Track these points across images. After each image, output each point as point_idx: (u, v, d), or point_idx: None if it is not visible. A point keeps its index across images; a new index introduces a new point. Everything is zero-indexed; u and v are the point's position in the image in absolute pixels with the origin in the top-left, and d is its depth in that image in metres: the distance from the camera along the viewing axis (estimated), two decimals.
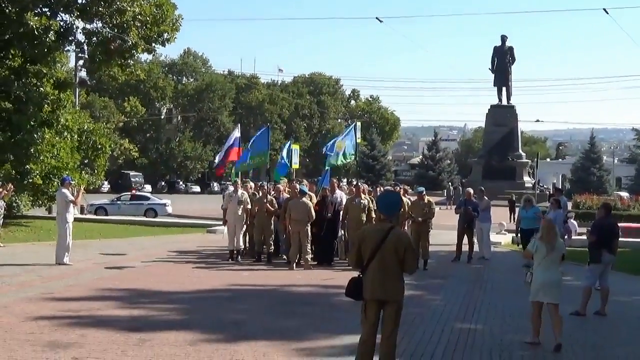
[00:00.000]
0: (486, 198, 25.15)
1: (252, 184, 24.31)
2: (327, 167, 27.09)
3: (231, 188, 22.96)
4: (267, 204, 21.49)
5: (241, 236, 22.00)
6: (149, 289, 16.24)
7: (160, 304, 14.48)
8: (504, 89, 75.53)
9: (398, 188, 25.42)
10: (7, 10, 29.22)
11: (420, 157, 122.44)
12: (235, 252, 21.65)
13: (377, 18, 34.77)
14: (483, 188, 26.17)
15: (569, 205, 30.58)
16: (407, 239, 9.63)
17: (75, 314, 13.12)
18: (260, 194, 22.24)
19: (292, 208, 20.47)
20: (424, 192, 22.37)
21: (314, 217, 20.50)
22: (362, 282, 9.25)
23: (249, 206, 21.82)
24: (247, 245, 22.80)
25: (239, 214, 21.63)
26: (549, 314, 11.85)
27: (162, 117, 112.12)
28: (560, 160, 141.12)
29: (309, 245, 20.62)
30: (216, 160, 28.86)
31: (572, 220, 24.16)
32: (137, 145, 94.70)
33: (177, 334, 11.60)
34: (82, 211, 41.81)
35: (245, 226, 22.16)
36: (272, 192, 22.44)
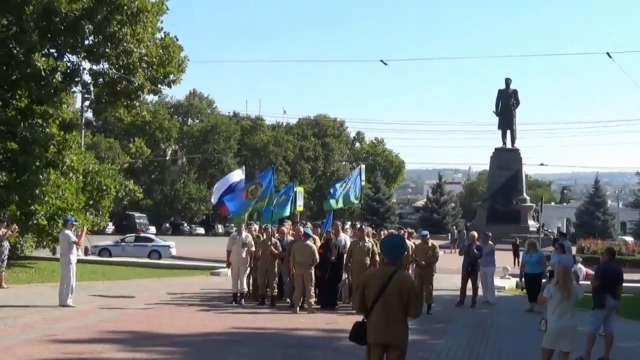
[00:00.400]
0: (491, 242, 25.11)
1: (256, 226, 24.29)
2: (330, 209, 27.11)
3: (235, 230, 22.95)
4: (271, 247, 21.45)
5: (245, 279, 21.96)
6: (153, 332, 16.17)
7: (164, 347, 14.42)
8: (508, 132, 75.72)
9: (402, 231, 25.40)
10: (14, 51, 29.46)
11: (425, 200, 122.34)
12: (238, 294, 21.59)
13: (381, 61, 34.87)
14: (490, 233, 26.07)
15: (573, 249, 30.51)
16: (411, 283, 9.60)
17: (78, 356, 13.08)
18: (265, 236, 22.23)
19: (296, 251, 20.43)
20: (428, 236, 22.31)
21: (318, 260, 20.46)
22: (365, 326, 9.22)
23: (253, 248, 21.79)
24: (251, 288, 22.73)
25: (243, 256, 21.59)
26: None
27: (167, 158, 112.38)
28: (564, 204, 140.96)
29: (313, 288, 20.57)
30: (213, 200, 28.57)
31: (579, 265, 24.01)
32: (142, 186, 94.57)
33: None
34: (86, 252, 41.80)
35: (249, 269, 22.11)
36: (276, 235, 22.43)
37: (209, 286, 26.88)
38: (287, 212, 28.25)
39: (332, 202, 27.34)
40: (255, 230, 23.34)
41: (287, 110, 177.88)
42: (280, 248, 21.61)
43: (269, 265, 21.49)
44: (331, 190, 27.83)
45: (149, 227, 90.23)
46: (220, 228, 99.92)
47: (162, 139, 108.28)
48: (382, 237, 19.97)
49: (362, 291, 9.40)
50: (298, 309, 20.15)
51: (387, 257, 9.68)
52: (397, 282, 9.15)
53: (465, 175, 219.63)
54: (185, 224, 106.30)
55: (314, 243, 21.13)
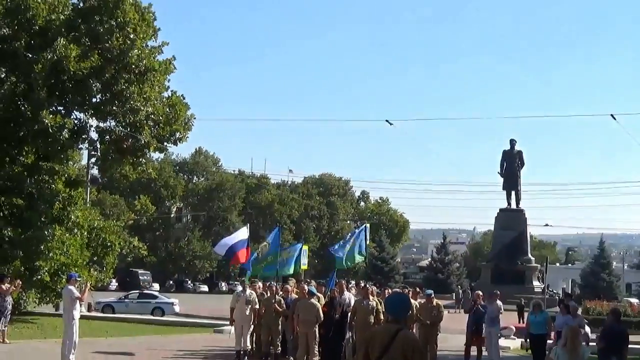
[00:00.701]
0: (498, 302, 24.99)
1: (260, 284, 24.25)
2: (342, 268, 27.08)
3: (239, 287, 22.90)
4: (275, 304, 21.41)
5: (248, 336, 21.87)
6: None
7: None
8: (513, 192, 75.77)
9: (406, 290, 25.34)
10: (22, 108, 29.72)
11: (429, 259, 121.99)
12: (242, 352, 21.49)
13: (387, 121, 35.04)
14: (498, 292, 25.95)
15: (579, 310, 30.33)
16: (416, 342, 9.54)
17: None
18: (269, 293, 22.19)
19: (300, 309, 20.35)
20: (433, 295, 22.25)
21: (322, 319, 20.38)
22: None
23: (257, 306, 21.74)
24: (254, 345, 22.62)
25: (247, 313, 21.53)
26: None
27: (172, 215, 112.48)
28: (569, 265, 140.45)
29: (317, 346, 20.46)
30: (218, 250, 28.46)
31: (586, 328, 23.75)
32: (146, 243, 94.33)
33: None
34: (89, 309, 41.64)
35: (252, 326, 22.04)
36: (280, 292, 22.39)
37: (212, 344, 26.74)
38: (291, 270, 28.20)
39: (340, 261, 27.33)
40: (259, 287, 23.29)
41: (291, 168, 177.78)
42: (284, 306, 21.56)
43: (273, 322, 21.43)
44: (338, 251, 27.75)
45: (153, 284, 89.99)
46: (224, 286, 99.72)
47: (167, 196, 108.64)
48: (386, 295, 19.92)
49: (365, 349, 9.34)
50: None
51: (391, 315, 9.61)
52: (401, 340, 9.07)
53: (469, 235, 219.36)
54: (189, 282, 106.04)
55: (318, 301, 21.07)
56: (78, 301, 20.48)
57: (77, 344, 20.13)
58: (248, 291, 21.91)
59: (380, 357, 9.03)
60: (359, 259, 28.38)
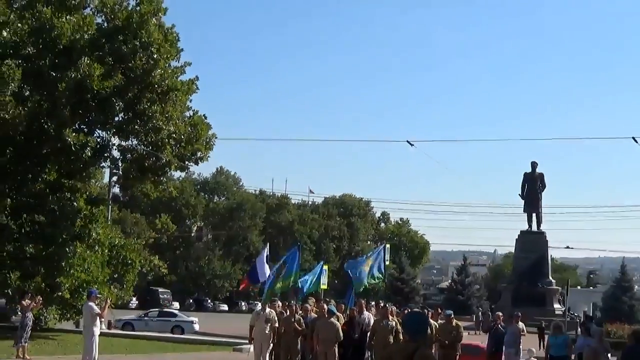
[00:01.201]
0: (520, 324, 24.93)
1: (279, 303, 24.27)
2: (353, 289, 27.05)
3: (259, 306, 22.95)
4: (295, 323, 21.44)
5: (267, 355, 21.89)
6: None
7: None
8: (534, 215, 75.54)
9: (427, 311, 25.31)
10: (45, 126, 29.95)
11: (450, 281, 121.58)
12: None
13: (408, 142, 35.02)
14: (519, 313, 25.92)
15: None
16: (433, 358, 9.58)
17: None
18: (288, 312, 22.21)
19: (320, 328, 20.38)
20: (452, 316, 22.22)
21: (342, 338, 20.39)
22: None
23: (277, 324, 21.77)
24: None
25: (266, 332, 21.57)
26: None
27: (193, 234, 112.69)
28: (591, 288, 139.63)
29: None
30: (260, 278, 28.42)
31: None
32: (167, 262, 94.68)
33: None
34: (109, 326, 41.75)
35: (271, 345, 22.05)
36: (300, 312, 22.42)
37: None
38: (310, 288, 28.32)
39: (359, 283, 27.37)
40: (278, 306, 23.32)
41: (312, 188, 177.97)
42: (304, 325, 21.59)
43: (292, 341, 21.46)
44: (354, 269, 27.77)
45: (173, 302, 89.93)
46: (243, 305, 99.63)
47: (188, 215, 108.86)
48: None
49: None
50: None
51: (409, 335, 9.60)
52: (419, 359, 9.08)
53: (490, 257, 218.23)
54: (209, 301, 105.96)
55: (338, 320, 21.10)
56: (98, 318, 20.62)
57: None
58: (267, 310, 21.97)
59: None
60: (377, 279, 28.33)
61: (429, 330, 19.15)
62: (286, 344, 21.55)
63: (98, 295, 22.28)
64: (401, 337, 19.74)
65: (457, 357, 21.63)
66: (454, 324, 21.73)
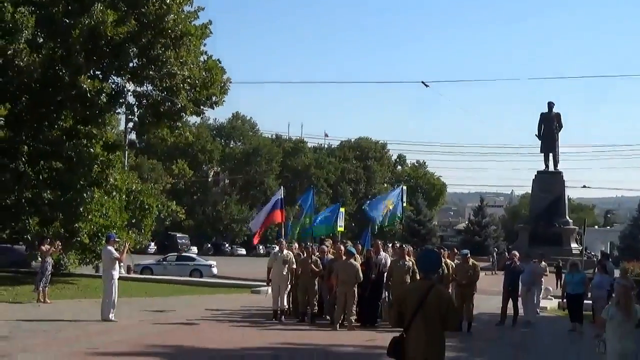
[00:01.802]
0: (543, 263, 25.09)
1: (296, 245, 24.36)
2: (370, 230, 27.16)
3: (277, 248, 23.06)
4: (312, 265, 21.55)
5: (285, 296, 22.04)
6: (193, 346, 16.31)
7: None
8: (550, 155, 75.31)
9: (442, 251, 25.36)
10: (60, 73, 29.94)
11: (466, 222, 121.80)
12: (279, 311, 21.70)
13: (422, 82, 34.83)
14: (543, 253, 26.18)
15: (616, 272, 30.17)
16: (449, 297, 9.65)
17: None
18: (305, 254, 22.31)
19: (340, 269, 20.46)
20: (469, 255, 22.26)
21: (362, 279, 20.51)
22: (403, 342, 9.23)
23: (294, 266, 21.88)
24: (291, 305, 22.82)
25: (284, 273, 21.68)
26: None
27: (210, 179, 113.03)
28: (608, 227, 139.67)
29: (355, 306, 20.62)
30: (251, 227, 28.59)
31: None
32: (184, 207, 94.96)
33: None
34: (128, 271, 42.12)
35: (289, 286, 22.20)
36: (317, 253, 22.53)
37: (249, 303, 27.02)
38: (326, 231, 28.42)
39: (382, 219, 27.43)
40: (295, 248, 23.42)
41: (328, 132, 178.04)
42: (321, 266, 21.71)
43: (309, 283, 21.58)
44: (372, 209, 27.82)
45: (191, 247, 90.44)
46: (261, 249, 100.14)
47: (204, 160, 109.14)
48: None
49: (398, 306, 9.43)
50: (338, 326, 20.20)
51: (422, 271, 9.70)
52: (434, 296, 9.15)
53: (507, 198, 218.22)
54: (227, 245, 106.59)
55: (356, 261, 21.21)
56: (117, 261, 20.79)
57: (117, 303, 20.44)
58: (285, 251, 22.05)
59: (415, 314, 9.11)
60: (396, 219, 28.31)
61: (443, 268, 19.36)
62: (303, 285, 21.68)
63: (117, 240, 22.43)
64: (417, 277, 19.87)
65: (474, 296, 21.70)
66: (470, 263, 21.77)
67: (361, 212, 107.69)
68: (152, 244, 78.56)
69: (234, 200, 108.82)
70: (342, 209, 33.47)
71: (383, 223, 27.99)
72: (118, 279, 20.79)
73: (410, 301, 9.27)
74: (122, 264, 23.24)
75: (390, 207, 27.51)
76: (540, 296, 27.46)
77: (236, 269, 51.49)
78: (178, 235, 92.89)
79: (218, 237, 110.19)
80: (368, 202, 28.57)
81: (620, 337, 10.77)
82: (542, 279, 27.25)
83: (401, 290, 10.17)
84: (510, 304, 23.32)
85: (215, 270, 47.43)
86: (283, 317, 21.64)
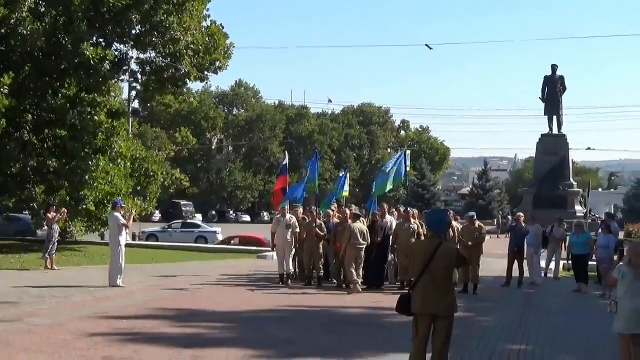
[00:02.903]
0: (538, 224, 25.12)
1: (300, 209, 24.40)
2: (374, 194, 27.17)
3: (279, 213, 23.08)
4: (316, 229, 21.63)
5: (290, 260, 22.14)
6: (201, 309, 16.42)
7: (213, 323, 14.65)
8: (554, 117, 75.21)
9: (450, 212, 25.41)
10: (63, 41, 29.88)
11: (470, 186, 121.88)
12: (285, 275, 21.81)
13: (426, 45, 34.89)
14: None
15: (621, 233, 30.22)
16: (456, 250, 9.79)
17: (128, 331, 13.34)
18: (309, 218, 22.37)
19: (350, 232, 20.42)
20: (475, 217, 22.29)
21: (369, 241, 20.61)
22: (411, 298, 9.33)
23: (298, 230, 21.97)
24: (297, 269, 22.93)
25: (288, 237, 21.77)
26: (632, 346, 10.57)
27: (213, 147, 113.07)
28: (612, 190, 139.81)
29: (361, 269, 20.70)
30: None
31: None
32: (188, 175, 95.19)
33: (229, 351, 11.76)
34: (133, 238, 42.30)
35: (294, 250, 22.28)
36: (322, 217, 22.63)
37: (255, 268, 27.14)
38: (337, 195, 28.55)
39: (379, 188, 27.42)
40: (300, 212, 23.48)
41: (331, 99, 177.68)
42: (325, 230, 21.79)
43: (314, 246, 21.67)
44: (378, 179, 27.83)
45: (195, 214, 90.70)
46: (265, 215, 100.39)
47: (207, 128, 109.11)
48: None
49: (410, 258, 9.63)
50: (344, 286, 20.37)
51: (432, 230, 9.81)
52: (443, 252, 9.26)
53: (511, 162, 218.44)
54: (231, 212, 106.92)
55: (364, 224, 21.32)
56: (124, 227, 20.85)
57: (124, 269, 20.56)
58: (288, 216, 22.14)
59: (424, 269, 9.22)
60: (399, 182, 28.15)
61: (451, 227, 19.45)
62: (309, 249, 21.80)
63: (122, 206, 22.44)
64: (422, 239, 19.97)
65: (480, 257, 21.75)
66: (476, 225, 21.80)
67: (365, 177, 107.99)
68: (157, 211, 78.79)
69: (238, 167, 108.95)
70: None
71: (386, 187, 27.89)
72: (125, 245, 20.88)
73: (418, 257, 9.39)
74: (127, 230, 23.26)
75: (394, 172, 27.44)
76: (560, 260, 27.46)
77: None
78: (182, 202, 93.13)
79: (222, 204, 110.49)
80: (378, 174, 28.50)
81: (633, 295, 10.49)
82: (562, 243, 27.24)
83: (410, 246, 10.31)
84: (515, 265, 23.43)
85: (220, 237, 47.64)
86: (289, 280, 21.76)
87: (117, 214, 20.61)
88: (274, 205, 28.84)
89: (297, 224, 22.08)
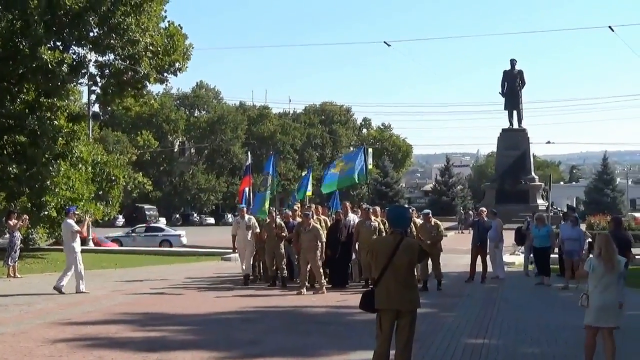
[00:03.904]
0: (498, 219, 25.25)
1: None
2: (328, 192, 27.26)
3: (239, 216, 22.96)
4: (276, 229, 21.49)
5: (251, 260, 22.14)
6: (165, 313, 16.38)
7: (177, 326, 14.61)
8: (514, 112, 75.86)
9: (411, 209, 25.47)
10: (20, 45, 29.61)
11: (433, 183, 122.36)
12: (250, 276, 21.82)
13: (385, 42, 34.96)
14: (495, 210, 26.41)
15: (583, 226, 30.43)
16: (418, 245, 9.83)
17: (93, 337, 13.27)
18: (269, 219, 22.26)
19: (302, 233, 20.40)
20: (430, 214, 22.30)
21: (324, 240, 20.51)
22: (374, 294, 9.36)
23: (258, 230, 21.97)
24: (262, 270, 22.92)
25: (248, 239, 21.78)
26: (603, 339, 10.71)
27: (175, 150, 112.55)
28: (573, 183, 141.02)
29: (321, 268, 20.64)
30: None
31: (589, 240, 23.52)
32: (151, 178, 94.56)
33: (193, 353, 11.75)
34: (95, 244, 42.02)
35: (254, 251, 22.25)
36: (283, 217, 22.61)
37: (220, 271, 27.11)
38: (300, 196, 28.59)
39: (327, 185, 27.47)
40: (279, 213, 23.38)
41: (292, 99, 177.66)
42: (286, 230, 21.71)
43: (275, 247, 21.55)
44: (326, 177, 27.90)
45: (159, 218, 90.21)
46: (230, 217, 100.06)
47: (169, 131, 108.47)
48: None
49: (371, 257, 9.65)
50: (305, 290, 20.26)
51: (393, 227, 9.82)
52: (405, 247, 9.30)
53: (473, 158, 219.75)
54: (195, 215, 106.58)
55: (320, 224, 21.31)
56: (78, 234, 20.58)
57: (84, 275, 20.37)
58: (247, 217, 22.18)
59: (386, 265, 9.26)
60: (358, 179, 28.00)
61: (410, 227, 19.39)
62: (270, 250, 21.68)
63: (76, 212, 22.22)
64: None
65: (440, 255, 21.77)
66: (432, 222, 21.85)
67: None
68: (120, 216, 78.40)
69: (201, 169, 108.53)
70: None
71: (334, 186, 27.85)
72: (80, 251, 20.64)
73: (381, 253, 9.42)
74: (86, 237, 22.98)
75: (346, 169, 27.36)
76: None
77: (205, 238, 51.59)
78: (146, 206, 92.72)
79: (186, 207, 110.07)
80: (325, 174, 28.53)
81: (603, 289, 10.55)
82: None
83: (371, 243, 10.34)
84: (478, 260, 23.58)
85: (184, 240, 47.50)
86: (255, 281, 21.78)
87: (70, 220, 20.45)
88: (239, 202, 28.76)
89: (257, 224, 22.12)
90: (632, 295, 18.97)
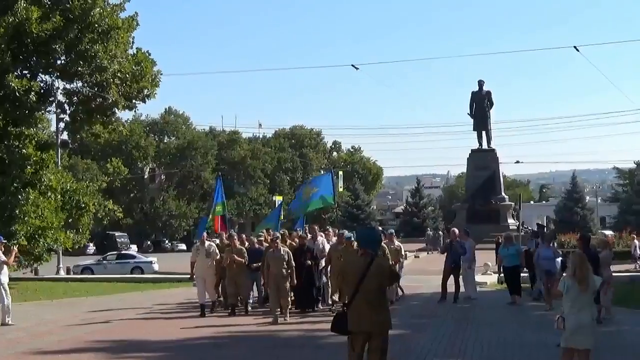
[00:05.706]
0: (470, 239, 25.28)
1: (225, 235, 23.63)
2: (298, 216, 27.29)
3: (198, 242, 22.29)
4: (234, 255, 20.77)
5: (212, 288, 21.65)
6: (137, 340, 16.30)
7: (150, 353, 14.56)
8: (483, 133, 76.04)
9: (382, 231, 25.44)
10: None
11: (404, 205, 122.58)
12: (213, 303, 21.55)
13: (352, 65, 34.98)
14: (467, 230, 26.48)
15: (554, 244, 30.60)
16: (389, 267, 9.86)
17: None
18: (231, 243, 21.46)
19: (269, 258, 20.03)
20: (394, 234, 22.34)
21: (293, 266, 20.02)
22: (346, 316, 9.36)
23: (218, 257, 21.24)
24: (222, 297, 22.44)
25: (208, 266, 21.08)
26: None
27: (145, 176, 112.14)
28: (543, 202, 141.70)
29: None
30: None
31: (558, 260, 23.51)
32: (122, 205, 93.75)
33: None
34: (67, 272, 41.69)
35: (216, 277, 21.68)
36: (246, 243, 22.17)
37: (192, 296, 26.87)
38: (272, 225, 28.49)
39: (304, 207, 27.49)
40: (225, 240, 22.87)
41: (262, 123, 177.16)
42: (246, 255, 20.93)
43: (237, 275, 20.91)
44: (294, 203, 27.98)
45: (131, 245, 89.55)
46: None
47: (139, 157, 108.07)
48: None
49: (342, 277, 9.65)
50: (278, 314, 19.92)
51: (364, 247, 9.82)
52: (375, 268, 9.32)
53: (443, 179, 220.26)
54: (167, 241, 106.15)
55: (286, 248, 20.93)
56: (5, 265, 19.79)
57: (11, 307, 19.73)
58: (207, 243, 21.43)
59: (358, 287, 9.27)
60: (329, 202, 27.93)
61: (383, 249, 19.29)
62: (232, 278, 21.04)
63: (3, 241, 21.21)
64: None
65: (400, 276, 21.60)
66: (396, 244, 21.85)
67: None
68: (91, 244, 77.91)
69: (172, 196, 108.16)
70: (279, 197, 33.48)
71: (302, 211, 27.86)
72: (7, 282, 19.90)
73: (351, 275, 9.43)
74: (9, 267, 21.76)
75: (310, 194, 27.37)
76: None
77: (177, 264, 51.27)
78: (117, 234, 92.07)
79: (157, 234, 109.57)
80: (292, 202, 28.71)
81: (579, 309, 10.43)
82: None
83: (341, 264, 10.34)
84: (451, 280, 23.59)
85: (156, 267, 47.36)
86: (212, 309, 21.39)
87: None
88: (216, 231, 28.46)
89: (217, 251, 21.37)
90: (620, 313, 19.16)
